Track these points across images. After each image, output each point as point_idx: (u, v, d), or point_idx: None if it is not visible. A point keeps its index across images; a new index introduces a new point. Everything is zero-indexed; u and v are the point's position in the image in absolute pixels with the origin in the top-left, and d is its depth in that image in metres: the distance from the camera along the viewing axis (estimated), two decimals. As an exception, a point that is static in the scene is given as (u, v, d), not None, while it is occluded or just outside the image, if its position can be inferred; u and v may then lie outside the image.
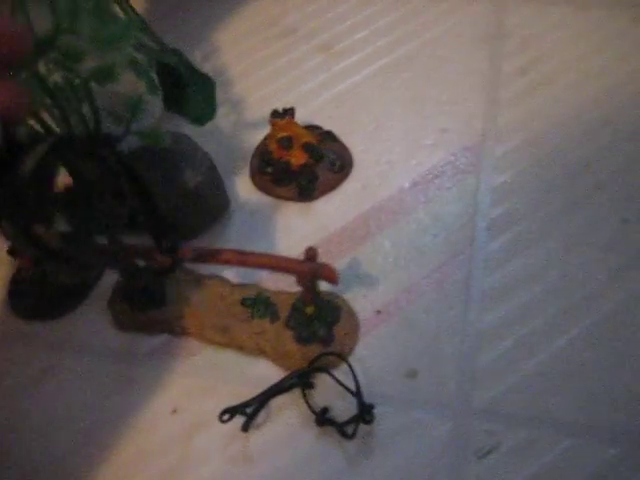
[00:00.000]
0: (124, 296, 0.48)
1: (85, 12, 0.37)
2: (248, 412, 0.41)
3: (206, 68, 0.60)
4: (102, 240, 0.38)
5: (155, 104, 0.50)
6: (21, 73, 0.37)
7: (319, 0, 0.65)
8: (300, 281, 0.41)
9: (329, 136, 0.54)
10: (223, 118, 0.57)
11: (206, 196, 0.49)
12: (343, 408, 0.42)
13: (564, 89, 0.55)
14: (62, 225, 0.31)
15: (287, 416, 0.43)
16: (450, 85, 0.57)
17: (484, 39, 0.59)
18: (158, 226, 0.38)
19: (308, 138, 0.51)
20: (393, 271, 0.48)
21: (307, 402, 0.41)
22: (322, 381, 0.43)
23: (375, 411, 0.40)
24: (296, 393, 0.42)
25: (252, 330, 0.45)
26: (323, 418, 0.41)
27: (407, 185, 0.52)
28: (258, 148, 0.54)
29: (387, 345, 0.45)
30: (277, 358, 0.44)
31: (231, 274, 0.48)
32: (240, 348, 0.45)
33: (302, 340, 0.43)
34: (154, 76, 0.47)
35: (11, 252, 0.48)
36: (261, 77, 0.60)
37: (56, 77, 0.40)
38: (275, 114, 0.50)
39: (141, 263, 0.42)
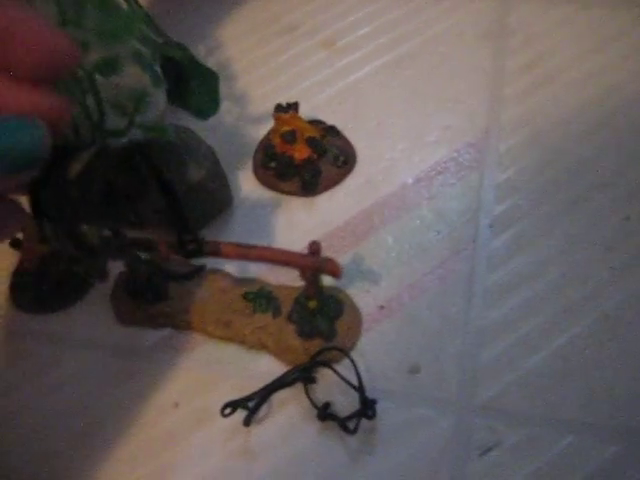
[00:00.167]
0: (126, 290, 0.47)
1: (90, 4, 0.37)
2: (250, 406, 0.41)
3: (210, 63, 0.60)
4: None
5: (159, 97, 0.50)
6: None
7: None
8: (303, 275, 0.41)
9: (332, 131, 0.54)
10: (226, 112, 0.57)
11: (210, 190, 0.49)
12: (345, 403, 0.42)
13: (566, 87, 0.55)
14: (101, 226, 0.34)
15: (289, 411, 0.43)
16: (453, 82, 0.57)
17: (487, 37, 0.59)
18: (181, 222, 0.39)
19: (312, 132, 0.51)
20: (396, 267, 0.48)
21: (309, 397, 0.41)
22: (324, 376, 0.43)
23: (377, 406, 0.40)
24: (298, 388, 0.42)
25: (254, 324, 0.45)
26: (325, 413, 0.41)
27: (410, 181, 0.52)
28: (261, 142, 0.54)
29: (390, 340, 0.45)
30: (279, 353, 0.44)
31: (233, 268, 0.48)
32: (242, 342, 0.45)
33: (304, 335, 0.43)
34: (158, 69, 0.47)
35: (14, 244, 0.48)
36: (264, 72, 0.60)
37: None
38: (279, 108, 0.50)
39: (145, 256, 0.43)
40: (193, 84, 0.55)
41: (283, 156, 0.51)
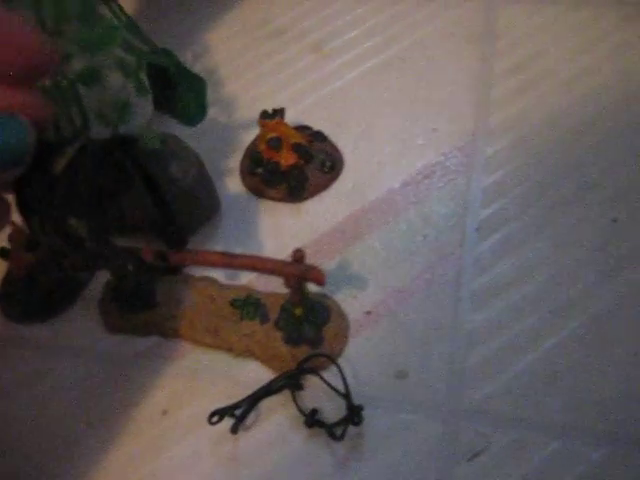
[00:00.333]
0: (114, 298, 0.48)
1: (71, 16, 0.37)
2: (237, 414, 0.41)
3: (197, 68, 0.60)
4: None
5: (145, 105, 0.50)
6: None
7: (309, 0, 0.64)
8: (288, 283, 0.41)
9: (319, 136, 0.54)
10: (214, 118, 0.57)
11: (196, 197, 0.49)
12: (333, 409, 0.42)
13: (554, 88, 0.55)
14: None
15: (276, 418, 0.43)
16: (441, 85, 0.57)
17: (475, 39, 0.59)
18: (167, 220, 0.41)
19: (298, 139, 0.51)
20: (383, 271, 0.48)
21: (296, 404, 0.41)
22: (312, 383, 0.43)
23: (364, 412, 0.40)
24: (285, 395, 0.42)
25: (242, 332, 0.45)
26: (312, 420, 0.41)
27: (397, 185, 0.52)
28: (248, 149, 0.54)
29: (377, 346, 0.45)
30: (267, 359, 0.44)
31: (221, 275, 0.48)
32: (230, 350, 0.45)
33: (291, 341, 0.43)
34: (144, 77, 0.47)
35: (1, 254, 0.48)
36: (252, 77, 0.60)
37: (43, 79, 0.40)
38: (264, 115, 0.50)
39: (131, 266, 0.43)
40: (180, 91, 0.55)
41: (269, 162, 0.51)
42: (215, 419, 0.41)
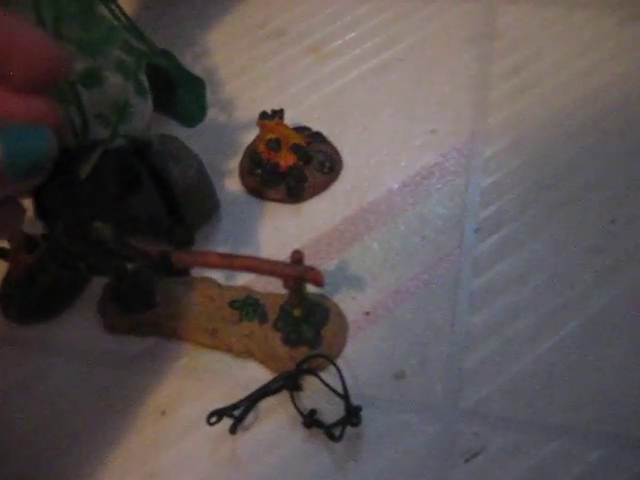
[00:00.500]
0: (113, 298, 0.48)
1: (69, 15, 0.37)
2: (236, 414, 0.42)
3: (197, 69, 0.60)
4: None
5: (144, 106, 0.50)
6: None
7: (308, 1, 0.65)
8: (286, 284, 0.41)
9: (318, 137, 0.54)
10: (213, 119, 0.57)
11: (196, 198, 0.49)
12: (331, 410, 0.42)
13: (552, 90, 0.55)
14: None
15: (275, 418, 0.43)
16: (439, 86, 0.57)
17: (473, 40, 0.59)
18: (176, 219, 0.43)
19: (297, 139, 0.51)
20: (382, 272, 0.48)
21: (295, 404, 0.42)
22: (310, 383, 0.43)
23: (362, 413, 0.40)
24: (284, 395, 0.42)
25: (241, 332, 0.45)
26: (311, 420, 0.41)
27: (396, 186, 0.52)
28: (247, 149, 0.54)
29: (375, 347, 0.45)
30: (265, 360, 0.44)
31: (220, 275, 0.48)
32: (229, 350, 0.45)
33: (290, 342, 0.43)
34: (143, 78, 0.47)
35: (1, 255, 0.48)
36: (251, 78, 0.60)
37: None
38: (264, 115, 0.50)
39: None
40: (179, 92, 0.55)
41: (268, 163, 0.51)
42: (214, 419, 0.41)
